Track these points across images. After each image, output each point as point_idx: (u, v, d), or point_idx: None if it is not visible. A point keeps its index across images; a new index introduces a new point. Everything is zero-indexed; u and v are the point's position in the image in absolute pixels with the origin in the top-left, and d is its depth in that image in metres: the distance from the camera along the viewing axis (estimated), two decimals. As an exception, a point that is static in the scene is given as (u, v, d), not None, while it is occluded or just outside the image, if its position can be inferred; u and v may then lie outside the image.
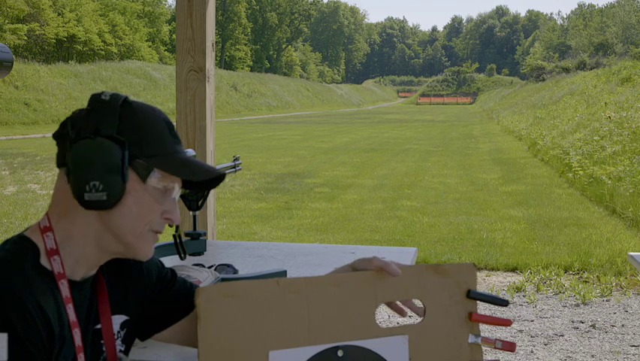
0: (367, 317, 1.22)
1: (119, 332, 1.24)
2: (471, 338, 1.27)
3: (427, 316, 1.26)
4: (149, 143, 1.14)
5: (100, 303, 1.20)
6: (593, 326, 4.33)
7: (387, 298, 1.24)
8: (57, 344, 1.07)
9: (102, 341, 1.20)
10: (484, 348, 1.28)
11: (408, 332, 1.24)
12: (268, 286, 1.18)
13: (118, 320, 1.24)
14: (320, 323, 1.19)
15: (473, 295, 1.27)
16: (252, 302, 1.16)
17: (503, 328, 4.22)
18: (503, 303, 1.28)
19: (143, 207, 1.13)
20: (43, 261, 1.10)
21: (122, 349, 1.25)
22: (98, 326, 1.19)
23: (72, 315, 1.10)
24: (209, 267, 1.86)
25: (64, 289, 1.10)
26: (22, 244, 1.12)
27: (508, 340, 1.26)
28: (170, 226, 1.22)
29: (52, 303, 1.07)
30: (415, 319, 1.27)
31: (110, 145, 1.10)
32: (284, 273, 1.87)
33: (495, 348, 1.26)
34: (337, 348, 1.19)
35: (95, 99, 1.14)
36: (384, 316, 4.45)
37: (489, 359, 1.28)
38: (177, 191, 1.19)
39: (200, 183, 1.25)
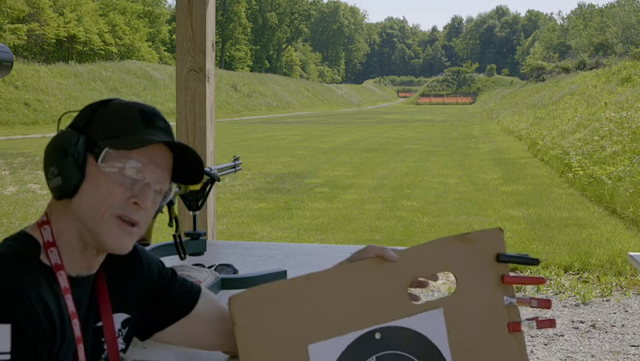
0: (400, 296, 1.24)
1: (120, 330, 1.24)
2: (506, 300, 1.29)
3: (459, 286, 1.28)
4: (109, 127, 1.14)
5: (100, 302, 1.20)
6: (593, 326, 4.33)
7: (416, 275, 1.26)
8: (58, 339, 1.08)
9: (103, 340, 1.20)
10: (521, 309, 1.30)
11: (442, 305, 1.26)
12: (298, 283, 1.20)
13: (119, 318, 1.24)
14: (354, 310, 1.21)
15: (503, 259, 1.30)
16: (284, 301, 1.18)
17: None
18: (534, 262, 1.31)
19: (100, 189, 1.12)
20: (43, 257, 1.12)
21: (124, 347, 1.25)
22: (99, 324, 1.20)
23: (71, 306, 1.11)
24: (209, 267, 1.86)
25: (63, 281, 1.11)
26: (22, 240, 1.13)
27: (543, 298, 1.30)
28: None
29: (52, 296, 1.08)
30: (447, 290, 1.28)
31: (68, 132, 1.14)
32: (284, 273, 1.87)
33: (531, 307, 1.29)
34: (374, 331, 1.21)
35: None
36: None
37: (527, 318, 1.29)
38: (151, 178, 1.14)
39: (185, 177, 1.21)
